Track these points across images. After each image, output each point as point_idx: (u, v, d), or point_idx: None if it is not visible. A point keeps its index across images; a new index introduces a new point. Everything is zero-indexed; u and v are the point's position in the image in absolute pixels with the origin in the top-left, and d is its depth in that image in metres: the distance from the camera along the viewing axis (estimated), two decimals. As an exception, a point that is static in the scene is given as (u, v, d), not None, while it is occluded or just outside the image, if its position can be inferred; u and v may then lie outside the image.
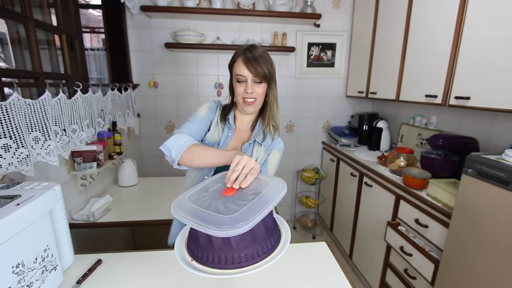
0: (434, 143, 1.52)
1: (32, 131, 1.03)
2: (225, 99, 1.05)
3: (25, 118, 0.99)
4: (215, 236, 0.53)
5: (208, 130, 0.99)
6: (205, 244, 0.57)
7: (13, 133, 0.92)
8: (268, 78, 0.90)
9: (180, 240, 0.66)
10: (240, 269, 0.55)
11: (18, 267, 0.62)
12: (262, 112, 0.99)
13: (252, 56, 0.87)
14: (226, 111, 1.01)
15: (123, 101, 1.96)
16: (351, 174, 2.09)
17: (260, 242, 0.57)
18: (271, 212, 0.62)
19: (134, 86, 2.31)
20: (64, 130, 1.23)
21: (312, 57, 2.55)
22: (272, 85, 0.94)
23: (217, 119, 1.00)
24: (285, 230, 0.67)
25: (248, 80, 0.89)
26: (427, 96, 1.52)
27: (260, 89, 0.90)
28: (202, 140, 0.97)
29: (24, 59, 1.35)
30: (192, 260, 0.60)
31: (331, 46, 2.54)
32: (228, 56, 1.25)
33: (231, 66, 0.94)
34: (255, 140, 0.97)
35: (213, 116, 1.00)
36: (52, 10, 1.57)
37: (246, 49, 0.90)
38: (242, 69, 0.88)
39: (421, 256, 1.30)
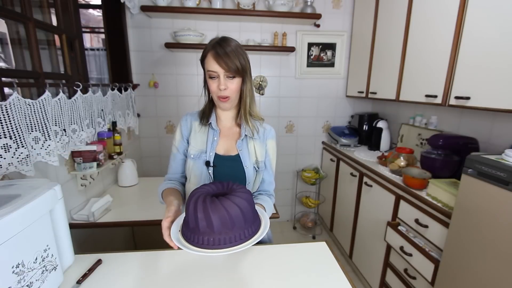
0: (434, 143, 1.52)
1: (32, 131, 1.03)
2: (201, 96, 1.01)
3: (25, 118, 0.99)
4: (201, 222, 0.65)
5: (188, 143, 0.97)
6: (194, 227, 0.67)
7: (13, 133, 0.92)
8: (241, 72, 0.86)
9: (175, 225, 0.75)
10: (223, 249, 0.65)
11: (18, 267, 0.62)
12: (239, 107, 0.96)
13: (223, 51, 0.83)
14: (206, 113, 0.97)
15: (123, 101, 1.96)
16: (351, 174, 2.09)
17: (239, 229, 0.67)
18: (252, 205, 0.72)
19: (134, 86, 2.31)
20: (64, 130, 1.23)
21: (312, 57, 2.55)
22: (246, 80, 0.90)
23: (192, 127, 0.97)
24: (265, 220, 0.76)
25: (220, 76, 0.85)
26: (427, 96, 1.52)
27: (233, 85, 0.87)
28: (186, 156, 0.98)
29: (24, 59, 1.35)
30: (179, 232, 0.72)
31: (331, 46, 2.54)
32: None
33: (202, 61, 0.90)
34: (246, 135, 0.96)
35: (188, 131, 0.98)
36: (52, 10, 1.57)
37: (216, 43, 0.85)
38: (213, 65, 0.84)
39: (421, 256, 1.30)
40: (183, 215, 0.77)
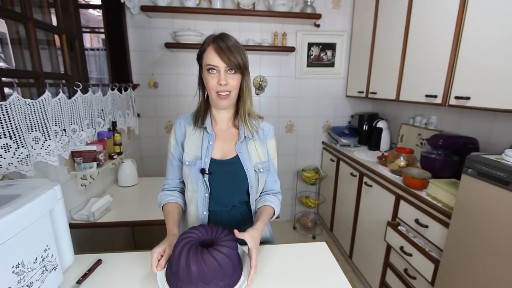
0: (434, 143, 1.52)
1: (32, 131, 1.03)
2: (194, 96, 0.98)
3: (25, 118, 0.99)
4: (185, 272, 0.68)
5: (183, 149, 0.93)
6: (176, 272, 0.69)
7: (13, 133, 0.92)
8: (242, 68, 0.83)
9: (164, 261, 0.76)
10: None
11: (18, 267, 0.62)
12: (237, 107, 0.93)
13: (225, 45, 0.80)
14: (201, 114, 0.93)
15: (123, 101, 1.96)
16: (351, 174, 2.09)
17: (215, 285, 0.69)
18: (234, 258, 0.73)
19: (134, 86, 2.31)
20: (64, 130, 1.23)
21: (312, 57, 2.55)
22: (246, 77, 0.88)
23: (186, 131, 0.94)
24: (244, 275, 0.76)
25: (221, 70, 0.81)
26: (427, 96, 1.52)
27: (234, 81, 0.84)
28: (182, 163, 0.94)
29: (24, 59, 1.35)
30: None
31: (331, 46, 2.54)
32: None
33: (199, 57, 0.86)
34: (245, 137, 0.93)
35: (182, 136, 0.94)
36: (52, 10, 1.57)
37: (217, 37, 0.82)
38: (214, 59, 0.80)
39: (421, 256, 1.30)
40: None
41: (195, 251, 0.69)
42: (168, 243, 0.78)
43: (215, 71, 0.82)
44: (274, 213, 0.95)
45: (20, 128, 0.94)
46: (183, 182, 0.99)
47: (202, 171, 0.88)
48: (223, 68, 0.82)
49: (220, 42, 0.81)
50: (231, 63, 0.81)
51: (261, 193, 0.99)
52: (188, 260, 0.67)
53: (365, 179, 1.91)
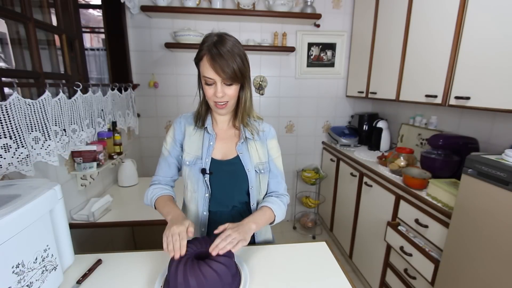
0: (434, 143, 1.52)
1: (32, 131, 1.03)
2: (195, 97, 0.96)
3: (25, 118, 0.99)
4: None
5: (182, 149, 0.93)
6: None
7: (13, 133, 0.92)
8: (239, 78, 0.81)
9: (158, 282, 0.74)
10: None
11: (18, 267, 0.62)
12: (237, 111, 0.92)
13: (218, 53, 0.76)
14: (202, 115, 0.93)
15: (123, 101, 1.96)
16: (351, 174, 2.09)
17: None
18: (231, 266, 0.72)
19: (134, 86, 2.31)
20: (64, 130, 1.23)
21: (312, 57, 2.55)
22: (245, 85, 0.86)
23: (186, 131, 0.93)
24: (244, 277, 0.76)
25: (217, 83, 0.80)
26: (427, 96, 1.52)
27: (231, 91, 0.82)
28: (178, 161, 0.96)
29: (24, 59, 1.35)
30: None
31: (331, 46, 2.54)
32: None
33: (197, 63, 0.85)
34: (246, 137, 0.92)
35: (182, 136, 0.94)
36: (52, 10, 1.57)
37: (212, 44, 0.78)
38: (209, 71, 0.78)
39: (421, 256, 1.30)
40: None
41: (191, 265, 0.67)
42: (185, 220, 0.77)
43: (211, 83, 0.81)
44: (274, 216, 0.92)
45: (20, 128, 0.94)
46: (174, 181, 1.00)
47: (203, 171, 0.88)
48: (219, 81, 0.80)
49: (215, 51, 0.77)
50: (226, 74, 0.78)
51: (264, 195, 0.98)
52: (185, 275, 0.65)
53: (365, 179, 1.91)
